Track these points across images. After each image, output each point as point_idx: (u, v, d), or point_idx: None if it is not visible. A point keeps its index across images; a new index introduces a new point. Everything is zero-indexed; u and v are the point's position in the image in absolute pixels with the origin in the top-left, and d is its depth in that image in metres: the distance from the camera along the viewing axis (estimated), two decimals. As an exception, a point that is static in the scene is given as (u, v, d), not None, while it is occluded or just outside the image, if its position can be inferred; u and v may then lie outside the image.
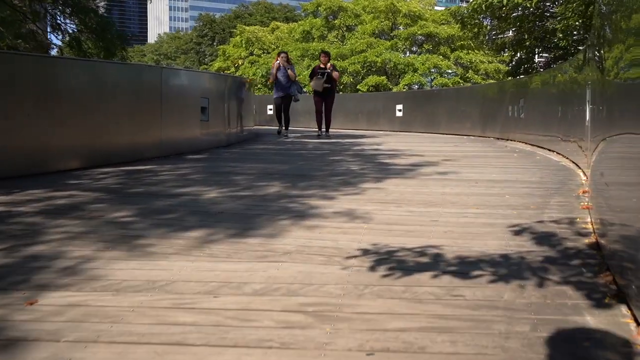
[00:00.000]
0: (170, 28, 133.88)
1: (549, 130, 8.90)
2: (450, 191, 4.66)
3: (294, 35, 29.68)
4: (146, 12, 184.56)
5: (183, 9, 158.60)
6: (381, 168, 6.42)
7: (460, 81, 23.66)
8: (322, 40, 26.94)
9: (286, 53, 12.88)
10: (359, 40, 24.59)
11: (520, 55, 15.59)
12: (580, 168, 6.22)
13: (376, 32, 25.43)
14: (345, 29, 26.82)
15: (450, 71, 24.27)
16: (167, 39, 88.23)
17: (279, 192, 4.70)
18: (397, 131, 17.46)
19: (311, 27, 28.01)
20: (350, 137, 13.47)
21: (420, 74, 22.91)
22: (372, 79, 22.59)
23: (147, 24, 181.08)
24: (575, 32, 12.21)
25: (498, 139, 12.29)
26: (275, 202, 4.20)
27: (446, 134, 15.04)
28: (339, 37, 27.00)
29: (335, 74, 12.28)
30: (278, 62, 12.25)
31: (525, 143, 10.46)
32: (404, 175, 5.67)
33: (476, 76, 23.91)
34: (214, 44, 36.73)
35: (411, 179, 5.42)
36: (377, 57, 22.96)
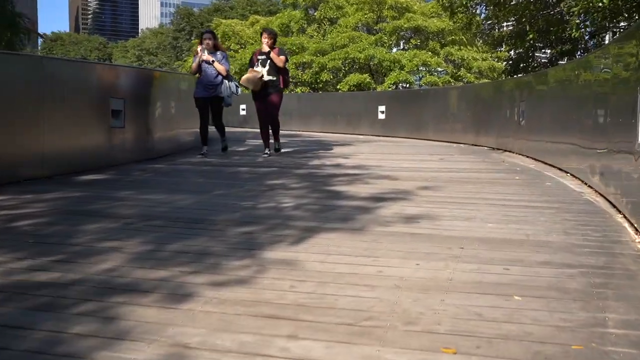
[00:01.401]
0: (162, 24, 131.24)
1: (560, 142, 6.90)
2: (412, 275, 2.64)
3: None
4: (138, 7, 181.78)
5: (174, 4, 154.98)
6: (323, 206, 4.41)
7: (451, 80, 21.66)
8: (301, 34, 24.85)
9: (212, 33, 8.95)
10: (340, 34, 22.52)
11: (520, 52, 13.58)
12: (618, 210, 4.19)
13: (360, 25, 23.39)
14: (326, 22, 24.75)
15: (440, 69, 22.27)
16: (150, 35, 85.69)
17: (113, 270, 2.67)
18: (378, 136, 15.50)
19: (289, 19, 25.90)
20: (318, 145, 11.45)
21: (407, 72, 20.87)
22: (354, 77, 20.53)
23: (138, 19, 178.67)
24: (594, 18, 10.13)
25: (493, 149, 10.31)
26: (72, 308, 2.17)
27: (434, 141, 13.07)
28: (319, 31, 24.93)
29: (278, 59, 8.46)
30: (202, 46, 8.56)
31: (526, 156, 8.48)
32: (347, 226, 3.68)
33: (469, 74, 21.89)
34: (192, 38, 34.59)
35: (355, 236, 3.40)
36: (360, 52, 20.89)
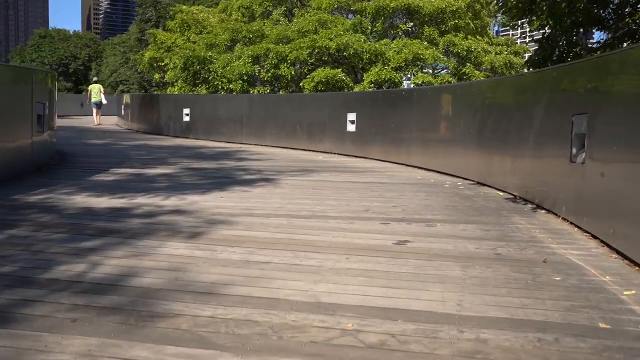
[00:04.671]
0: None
1: None
2: None
3: (230, 14, 23.22)
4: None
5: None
6: None
7: (452, 79, 17.30)
8: (265, 19, 20.55)
9: None
10: (308, 18, 18.24)
11: (556, 31, 9.16)
12: None
13: (336, 6, 19.12)
14: (297, 3, 20.46)
15: (438, 64, 17.91)
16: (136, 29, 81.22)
17: None
18: (346, 155, 11.40)
19: (251, 2, 21.58)
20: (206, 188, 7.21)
21: (393, 67, 16.53)
22: (321, 72, 16.18)
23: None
24: None
25: (515, 197, 6.03)
26: None
27: (420, 169, 8.87)
28: (287, 15, 20.65)
29: None
30: None
31: (595, 238, 4.22)
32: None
33: (477, 72, 17.51)
34: (162, 30, 30.79)
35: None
36: (330, 40, 16.59)
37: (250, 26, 19.71)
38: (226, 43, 19.56)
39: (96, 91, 23.52)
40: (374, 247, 3.88)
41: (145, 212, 4.94)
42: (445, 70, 18.50)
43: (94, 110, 23.54)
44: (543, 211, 5.30)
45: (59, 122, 25.26)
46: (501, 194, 6.45)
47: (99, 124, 22.75)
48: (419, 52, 16.42)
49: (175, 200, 5.58)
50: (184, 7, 29.41)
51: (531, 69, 10.42)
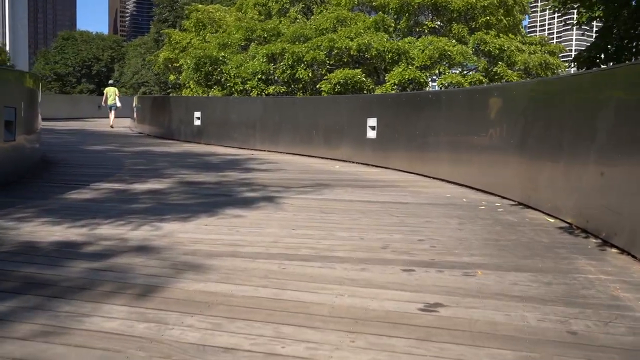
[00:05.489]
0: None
1: None
2: None
3: (245, 13, 22.21)
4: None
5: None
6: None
7: (484, 80, 15.97)
8: (281, 17, 19.46)
9: None
10: (327, 15, 17.10)
11: (611, 24, 7.84)
12: None
13: (356, 3, 17.94)
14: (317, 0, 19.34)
15: (467, 64, 16.61)
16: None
17: None
18: (365, 164, 10.30)
19: (266, -1, 20.56)
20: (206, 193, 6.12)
21: (417, 67, 15.29)
22: (340, 73, 14.99)
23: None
24: None
25: (577, 229, 4.87)
26: None
27: (448, 182, 7.77)
28: (306, 13, 19.53)
29: None
30: None
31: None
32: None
33: (509, 72, 16.17)
34: (177, 30, 29.89)
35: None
36: (351, 40, 15.42)
37: (265, 24, 18.65)
38: (240, 42, 18.53)
39: (111, 94, 23.71)
40: (391, 317, 2.75)
41: (101, 249, 3.87)
42: (474, 70, 17.22)
43: (110, 113, 23.71)
44: (614, 250, 4.11)
45: (75, 124, 24.84)
46: (551, 220, 5.26)
47: (112, 127, 22.60)
48: (446, 48, 15.17)
49: (147, 230, 4.50)
50: (200, 6, 28.52)
51: (575, 69, 9.16)
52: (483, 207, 6.02)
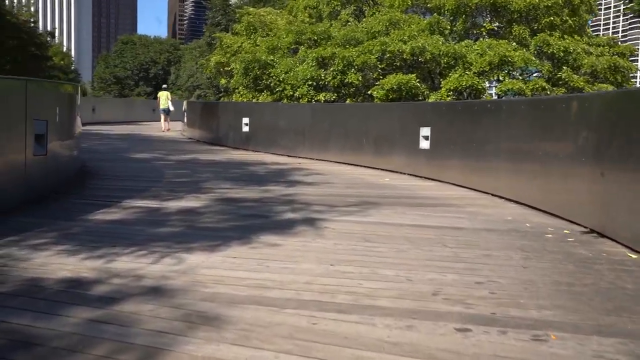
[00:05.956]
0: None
1: None
2: None
3: (296, 16, 21.80)
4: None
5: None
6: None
7: (547, 86, 14.95)
8: (332, 20, 18.93)
9: None
10: (379, 18, 16.43)
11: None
12: None
13: (410, 4, 17.20)
14: (367, 1, 18.68)
15: (529, 68, 15.62)
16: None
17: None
18: (417, 176, 9.74)
19: (318, 1, 20.02)
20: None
21: (475, 73, 14.46)
22: (392, 79, 14.32)
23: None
24: None
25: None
26: None
27: (508, 200, 7.11)
28: (358, 15, 18.92)
29: None
30: None
31: None
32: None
33: (575, 77, 15.11)
34: (228, 34, 29.78)
35: None
36: (404, 43, 14.72)
37: (315, 27, 18.15)
38: (289, 46, 18.12)
39: (164, 98, 24.59)
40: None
41: (110, 291, 3.42)
42: (536, 74, 16.21)
43: (162, 117, 24.11)
44: None
45: (128, 128, 25.07)
46: (634, 256, 4.52)
47: (167, 130, 22.89)
48: (507, 53, 14.29)
49: (168, 264, 4.04)
50: (251, 9, 28.33)
51: None
52: (550, 236, 5.31)
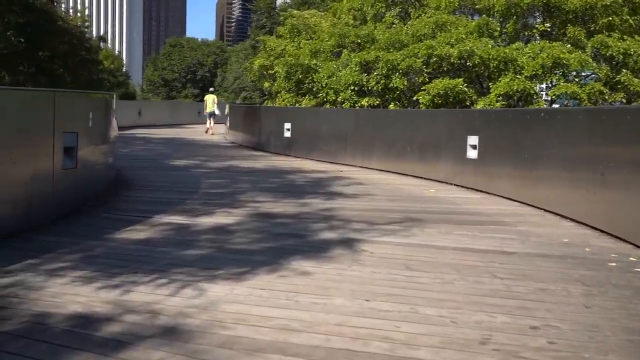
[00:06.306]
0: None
1: None
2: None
3: (339, 18, 21.38)
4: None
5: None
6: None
7: (605, 90, 14.12)
8: (377, 22, 18.43)
9: None
10: (425, 20, 15.85)
11: None
12: None
13: (457, 5, 16.57)
14: (413, 3, 18.11)
15: (584, 70, 14.78)
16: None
17: None
18: (464, 187, 9.43)
19: (362, 3, 19.56)
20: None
21: (526, 77, 13.73)
22: (439, 84, 13.71)
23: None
24: None
25: None
26: None
27: (564, 218, 6.56)
28: (404, 18, 18.37)
29: None
30: None
31: None
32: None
33: (635, 80, 14.21)
34: (272, 37, 29.63)
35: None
36: (451, 46, 14.10)
37: (358, 30, 17.69)
38: (332, 49, 17.73)
39: (210, 102, 24.87)
40: None
41: (119, 332, 3.11)
42: (592, 78, 15.35)
43: (208, 120, 24.49)
44: None
45: (173, 132, 25.20)
46: None
47: (211, 133, 23.18)
48: (561, 55, 13.52)
49: (188, 296, 3.71)
50: (295, 12, 28.04)
51: None
52: (614, 264, 4.76)
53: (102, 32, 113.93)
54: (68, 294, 3.71)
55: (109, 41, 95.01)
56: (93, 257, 4.62)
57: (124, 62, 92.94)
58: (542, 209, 7.40)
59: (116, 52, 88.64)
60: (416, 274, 4.41)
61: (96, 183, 7.39)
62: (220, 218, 6.41)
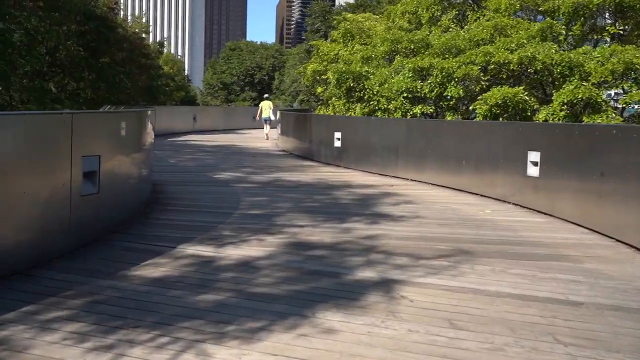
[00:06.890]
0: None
1: None
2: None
3: (393, 21, 20.58)
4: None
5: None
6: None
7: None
8: (432, 26, 17.57)
9: None
10: (483, 24, 14.90)
11: None
12: None
13: (519, 7, 15.52)
14: (470, 5, 17.15)
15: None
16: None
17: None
18: (524, 207, 8.65)
19: (417, 6, 18.70)
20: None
21: (593, 84, 12.62)
22: (497, 93, 12.76)
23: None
24: None
25: None
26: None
27: None
28: (462, 21, 17.44)
29: None
30: None
31: None
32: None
33: None
34: (326, 41, 29.16)
35: None
36: (511, 52, 13.12)
37: (412, 35, 16.89)
38: (384, 55, 17.02)
39: (266, 108, 24.92)
40: None
41: None
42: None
43: (265, 126, 24.96)
44: None
45: (226, 138, 25.14)
46: None
47: (267, 138, 23.64)
48: (634, 60, 12.37)
49: (186, 366, 3.16)
50: (349, 15, 27.43)
51: None
52: None
53: (164, 37, 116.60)
54: (53, 358, 3.23)
55: (172, 46, 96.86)
56: (97, 303, 4.15)
57: (186, 66, 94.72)
58: (613, 238, 6.55)
59: (178, 56, 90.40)
60: (461, 334, 3.73)
61: (123, 206, 6.99)
62: (250, 249, 5.87)
